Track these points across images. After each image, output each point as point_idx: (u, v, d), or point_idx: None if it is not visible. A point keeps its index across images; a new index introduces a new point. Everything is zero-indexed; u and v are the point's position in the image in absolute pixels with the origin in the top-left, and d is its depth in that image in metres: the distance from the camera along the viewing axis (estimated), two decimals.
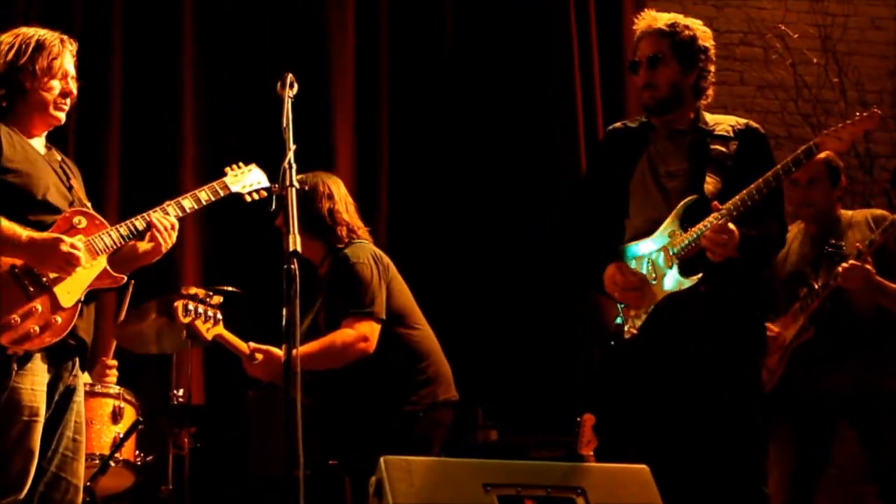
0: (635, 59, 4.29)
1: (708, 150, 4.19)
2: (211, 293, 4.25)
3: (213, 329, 4.20)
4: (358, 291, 4.47)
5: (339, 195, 4.72)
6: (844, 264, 4.72)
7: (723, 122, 4.29)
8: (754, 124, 4.33)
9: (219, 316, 4.20)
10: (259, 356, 4.28)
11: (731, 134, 4.24)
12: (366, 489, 3.44)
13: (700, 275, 4.05)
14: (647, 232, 4.20)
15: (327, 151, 6.48)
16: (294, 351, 3.22)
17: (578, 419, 4.92)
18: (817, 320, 4.83)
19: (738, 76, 7.68)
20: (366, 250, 4.60)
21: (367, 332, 4.43)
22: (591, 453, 4.84)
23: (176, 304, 4.12)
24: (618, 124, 4.53)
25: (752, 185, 4.01)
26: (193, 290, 4.18)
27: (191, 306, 4.13)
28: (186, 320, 4.13)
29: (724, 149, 4.20)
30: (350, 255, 4.55)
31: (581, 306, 6.59)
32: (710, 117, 4.31)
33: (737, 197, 4.01)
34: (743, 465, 4.04)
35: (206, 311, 4.15)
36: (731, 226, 3.97)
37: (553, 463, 4.20)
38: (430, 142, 6.88)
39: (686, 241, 4.07)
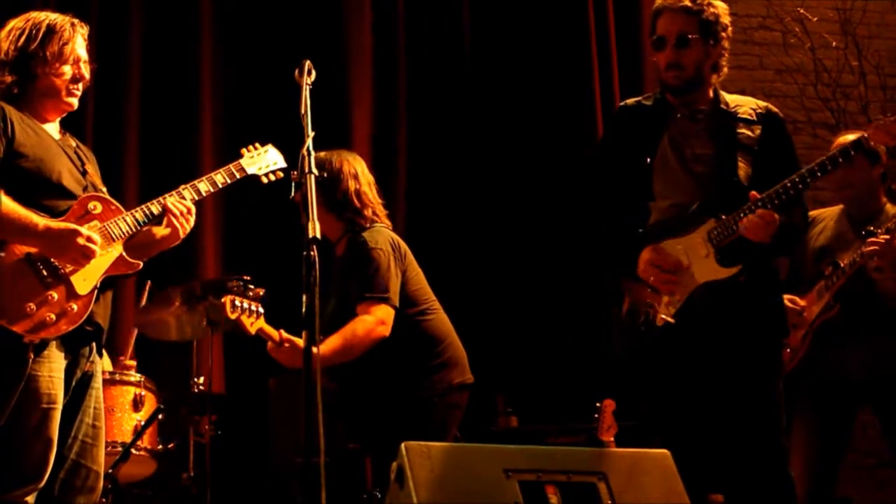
0: (659, 35, 4.15)
1: (735, 134, 4.14)
2: (252, 285, 4.29)
3: (256, 323, 4.23)
4: (374, 276, 4.46)
5: (364, 175, 4.72)
6: (870, 241, 4.67)
7: (743, 105, 4.23)
8: (774, 108, 4.28)
9: (260, 310, 4.23)
10: (287, 345, 4.28)
11: (755, 118, 4.18)
12: (387, 474, 3.44)
13: (739, 266, 4.00)
14: (674, 217, 4.13)
15: (345, 133, 6.47)
16: (314, 345, 3.21)
17: (599, 405, 4.90)
18: (842, 299, 4.80)
19: (758, 60, 7.65)
20: (384, 235, 4.59)
21: (383, 317, 4.43)
22: (612, 439, 4.82)
23: (224, 299, 4.16)
24: (630, 101, 4.41)
25: (795, 175, 3.94)
26: (238, 280, 4.24)
27: (237, 302, 4.17)
28: (234, 316, 4.17)
29: (750, 133, 4.14)
30: (368, 239, 4.54)
31: (602, 292, 6.57)
32: (728, 97, 4.25)
33: (778, 185, 3.93)
34: (766, 448, 4.01)
35: (250, 306, 4.18)
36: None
37: (574, 448, 4.20)
38: (447, 124, 6.87)
39: (725, 228, 4.02)
